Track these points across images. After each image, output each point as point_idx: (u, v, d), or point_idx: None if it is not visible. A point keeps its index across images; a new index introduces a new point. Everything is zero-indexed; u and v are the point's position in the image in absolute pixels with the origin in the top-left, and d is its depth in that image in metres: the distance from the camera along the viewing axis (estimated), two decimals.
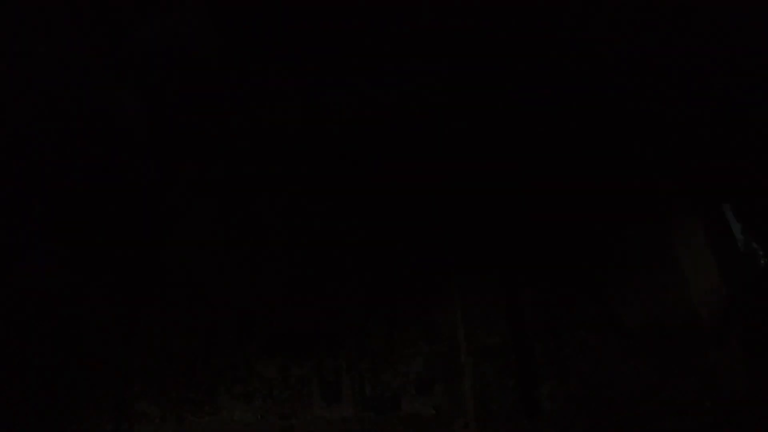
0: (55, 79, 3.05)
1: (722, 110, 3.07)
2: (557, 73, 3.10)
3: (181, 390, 2.55)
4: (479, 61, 2.89)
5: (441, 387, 2.55)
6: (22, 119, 3.28)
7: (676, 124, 3.22)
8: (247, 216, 3.05)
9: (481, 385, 2.50)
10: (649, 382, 2.70)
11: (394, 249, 2.94)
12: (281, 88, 3.04)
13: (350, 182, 3.17)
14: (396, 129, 3.18)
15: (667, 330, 2.86)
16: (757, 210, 3.41)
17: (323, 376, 2.57)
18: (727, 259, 2.92)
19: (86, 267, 2.88)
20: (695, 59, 2.84)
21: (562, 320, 2.82)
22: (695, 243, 3.02)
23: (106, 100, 3.18)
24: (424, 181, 3.02)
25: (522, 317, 2.77)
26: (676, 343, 2.83)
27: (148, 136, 3.32)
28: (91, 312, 2.70)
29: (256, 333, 2.68)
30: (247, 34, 2.78)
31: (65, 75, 3.02)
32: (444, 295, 2.80)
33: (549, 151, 3.24)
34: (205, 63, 2.97)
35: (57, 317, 2.73)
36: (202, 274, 2.86)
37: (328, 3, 2.55)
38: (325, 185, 3.15)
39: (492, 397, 2.46)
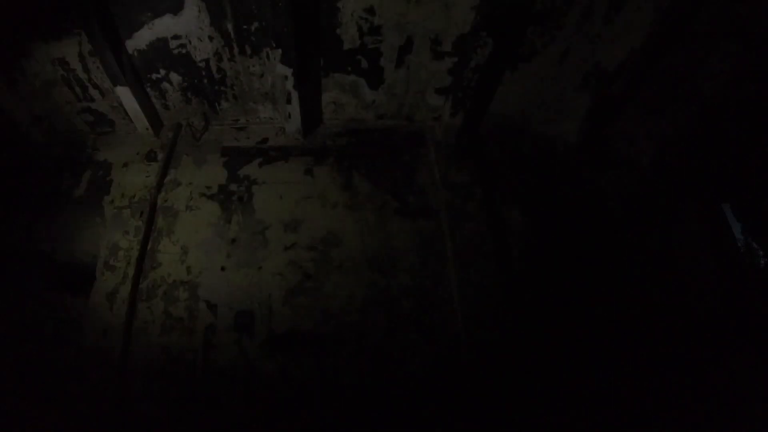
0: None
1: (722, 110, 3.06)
2: None
3: (182, 390, 2.54)
4: None
5: None
6: (20, 119, 3.28)
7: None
8: (247, 216, 3.05)
9: None
10: None
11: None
12: None
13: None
14: None
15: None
16: (757, 210, 3.41)
17: (324, 376, 2.57)
18: (727, 259, 2.92)
19: (86, 267, 2.87)
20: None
21: None
22: (695, 243, 3.02)
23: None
24: None
25: None
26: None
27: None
28: (91, 311, 2.70)
29: (256, 333, 2.67)
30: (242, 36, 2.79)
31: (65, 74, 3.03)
32: None
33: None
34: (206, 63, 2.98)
35: (56, 316, 2.72)
36: (202, 274, 2.86)
37: None
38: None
39: None
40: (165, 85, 3.14)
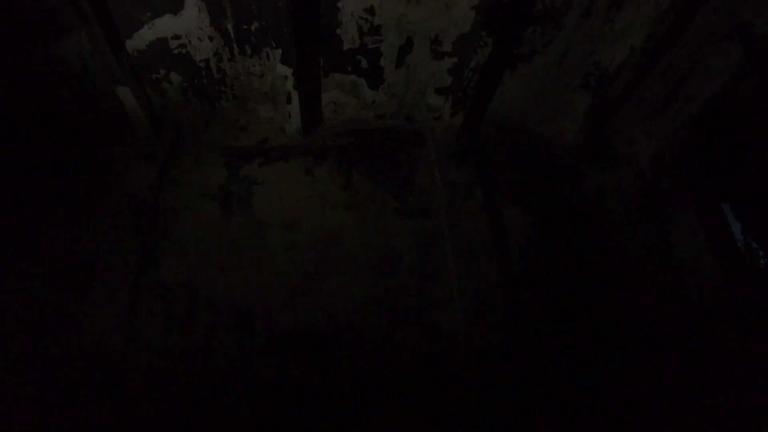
0: (55, 78, 3.05)
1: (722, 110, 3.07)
2: None
3: (182, 390, 2.54)
4: None
5: None
6: (21, 119, 3.28)
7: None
8: (247, 216, 3.05)
9: None
10: None
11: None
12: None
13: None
14: None
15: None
16: (757, 210, 3.41)
17: (324, 376, 2.57)
18: (727, 259, 2.92)
19: (86, 267, 2.87)
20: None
21: None
22: (695, 243, 3.02)
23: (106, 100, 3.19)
24: None
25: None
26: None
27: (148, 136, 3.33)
28: (91, 311, 2.69)
29: (256, 333, 2.67)
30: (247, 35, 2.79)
31: (65, 74, 3.02)
32: None
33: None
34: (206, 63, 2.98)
35: (56, 316, 2.72)
36: (203, 274, 2.85)
37: None
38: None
39: None
40: (165, 85, 3.14)
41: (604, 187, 3.34)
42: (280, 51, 2.70)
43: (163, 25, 2.77)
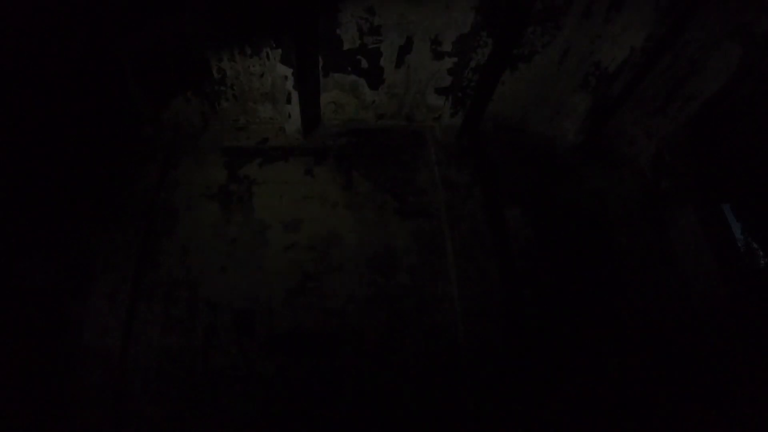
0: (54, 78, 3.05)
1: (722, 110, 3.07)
2: None
3: (182, 390, 2.54)
4: None
5: None
6: (21, 117, 3.27)
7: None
8: (247, 216, 3.05)
9: None
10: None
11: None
12: None
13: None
14: None
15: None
16: (757, 210, 3.41)
17: (323, 376, 2.57)
18: (727, 259, 2.92)
19: (86, 267, 2.88)
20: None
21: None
22: (695, 243, 3.02)
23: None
24: None
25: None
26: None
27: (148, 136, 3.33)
28: (91, 311, 2.69)
29: (256, 333, 2.67)
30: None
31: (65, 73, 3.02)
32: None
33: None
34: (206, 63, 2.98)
35: (56, 316, 2.72)
36: (202, 274, 2.85)
37: None
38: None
39: None
40: (166, 85, 3.14)
41: (604, 187, 3.34)
42: (280, 51, 2.70)
43: (165, 25, 2.76)
